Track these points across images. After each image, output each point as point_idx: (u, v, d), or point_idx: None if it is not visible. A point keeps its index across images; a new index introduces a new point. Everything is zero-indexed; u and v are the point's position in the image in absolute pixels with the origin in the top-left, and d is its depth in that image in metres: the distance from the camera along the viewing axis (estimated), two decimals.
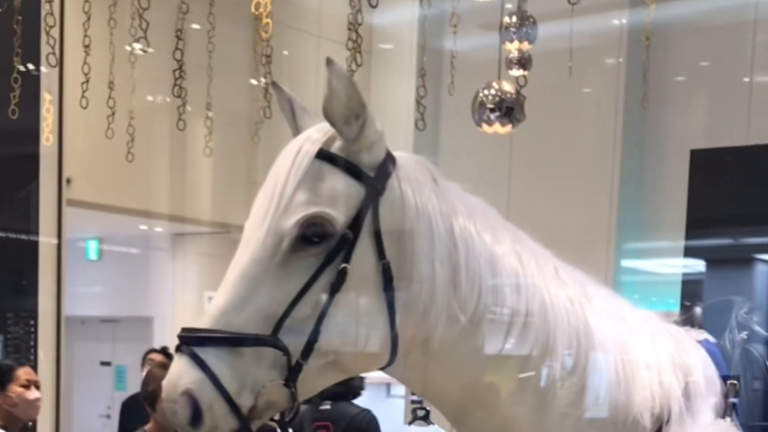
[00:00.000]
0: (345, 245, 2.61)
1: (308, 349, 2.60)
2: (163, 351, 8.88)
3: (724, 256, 5.06)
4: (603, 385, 2.86)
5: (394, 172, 2.71)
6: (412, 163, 2.79)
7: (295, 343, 2.59)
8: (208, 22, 7.25)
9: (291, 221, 2.60)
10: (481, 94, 6.69)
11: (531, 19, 6.79)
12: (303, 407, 2.76)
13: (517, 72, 6.89)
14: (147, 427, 6.13)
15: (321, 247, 2.60)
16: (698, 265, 4.94)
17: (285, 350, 2.58)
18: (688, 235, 5.05)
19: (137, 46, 7.16)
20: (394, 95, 11.04)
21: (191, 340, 2.61)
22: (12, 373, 6.27)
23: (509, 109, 6.66)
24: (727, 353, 3.17)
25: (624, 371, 2.88)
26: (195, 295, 11.92)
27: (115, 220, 11.43)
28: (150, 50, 6.54)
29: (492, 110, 6.65)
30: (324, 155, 2.68)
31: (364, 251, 2.63)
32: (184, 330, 2.65)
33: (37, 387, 6.31)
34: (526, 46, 6.84)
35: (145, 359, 9.30)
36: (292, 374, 2.59)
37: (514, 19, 6.77)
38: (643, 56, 8.20)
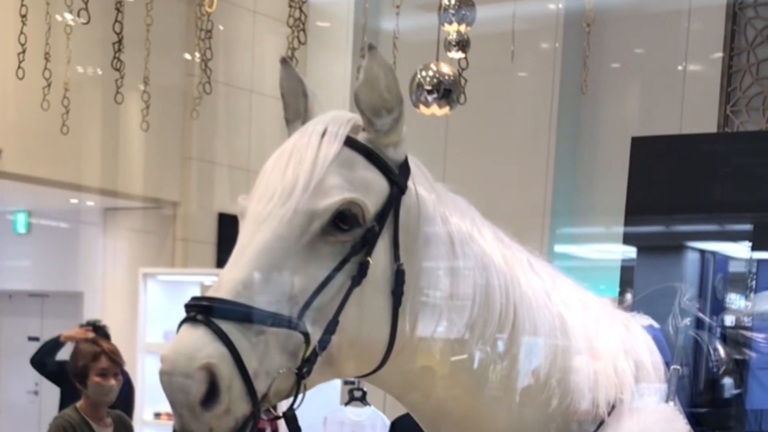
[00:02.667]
0: (371, 239, 2.48)
1: (325, 340, 2.44)
2: (92, 325, 8.76)
3: (657, 243, 5.11)
4: (579, 380, 2.85)
5: (410, 173, 2.60)
6: (414, 164, 2.67)
7: (314, 332, 2.42)
8: None
9: (325, 202, 2.44)
10: (418, 76, 6.67)
11: (470, 2, 6.78)
12: None
13: (455, 54, 6.89)
14: (78, 404, 6.08)
15: (349, 236, 2.46)
16: (631, 252, 4.97)
17: (308, 337, 2.41)
18: (627, 222, 5.09)
19: (68, 16, 7.07)
20: (329, 73, 11.02)
21: (210, 310, 2.35)
22: None
23: (447, 91, 6.65)
24: (670, 339, 3.20)
25: (594, 365, 2.88)
26: (126, 270, 11.80)
27: (45, 193, 11.29)
28: (81, 20, 6.45)
29: (429, 92, 6.63)
30: (352, 143, 2.54)
31: (382, 250, 2.51)
32: (198, 299, 2.40)
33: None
34: (464, 28, 6.84)
35: None
36: (307, 364, 2.42)
37: (453, 1, 6.76)
38: (579, 41, 8.24)
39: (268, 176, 2.55)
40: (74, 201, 11.94)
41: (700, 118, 9.52)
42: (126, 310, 10.96)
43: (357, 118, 2.58)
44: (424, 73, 6.63)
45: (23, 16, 6.86)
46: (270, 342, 2.38)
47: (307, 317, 2.42)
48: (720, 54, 9.79)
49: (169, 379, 2.33)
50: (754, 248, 4.95)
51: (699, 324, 3.38)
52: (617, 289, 5.11)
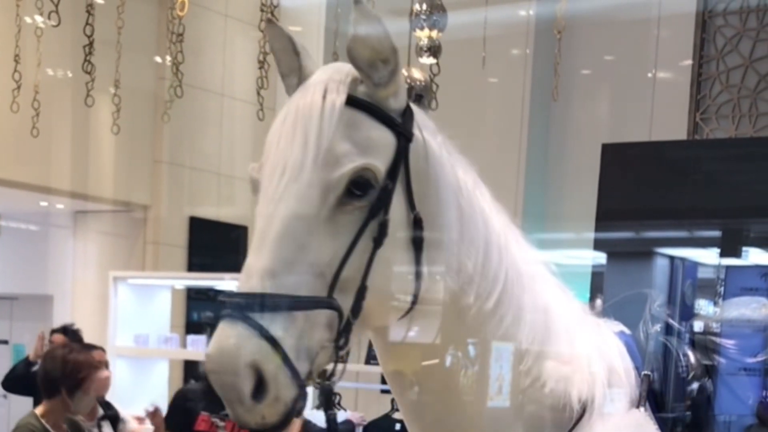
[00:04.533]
0: (386, 197, 2.48)
1: (357, 307, 2.47)
2: (65, 330, 8.71)
3: (627, 249, 5.13)
4: (549, 365, 2.86)
5: (414, 119, 2.60)
6: (418, 110, 2.66)
7: (345, 301, 2.45)
8: None
9: (338, 173, 2.43)
10: None
11: (441, 8, 6.80)
12: None
13: (427, 60, 6.91)
14: (38, 411, 6.01)
15: (365, 200, 2.46)
16: (601, 258, 4.99)
17: (340, 310, 2.44)
18: (598, 228, 5.10)
19: (39, 19, 7.05)
20: None
21: (245, 306, 2.38)
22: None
23: (418, 97, 6.67)
24: (641, 345, 3.22)
25: (571, 355, 2.91)
26: (96, 273, 11.74)
27: (14, 196, 11.23)
28: (52, 23, 6.43)
29: None
30: (353, 101, 2.51)
31: (398, 203, 2.52)
32: (232, 295, 2.42)
33: (107, 367, 6.67)
34: (436, 34, 6.86)
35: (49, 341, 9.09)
36: (344, 335, 2.46)
37: (425, 6, 6.78)
38: (550, 48, 8.26)
39: (276, 145, 2.52)
40: (44, 204, 11.89)
41: (670, 125, 9.58)
42: (96, 313, 10.90)
43: (355, 72, 2.55)
44: None
45: None
46: (306, 323, 2.41)
47: (337, 289, 2.44)
48: (689, 62, 9.86)
49: (217, 378, 2.39)
50: (722, 255, 4.97)
51: (669, 330, 3.40)
52: (587, 295, 5.12)
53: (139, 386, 6.96)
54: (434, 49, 6.88)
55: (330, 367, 2.52)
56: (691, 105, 9.78)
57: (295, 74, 2.66)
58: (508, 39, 9.92)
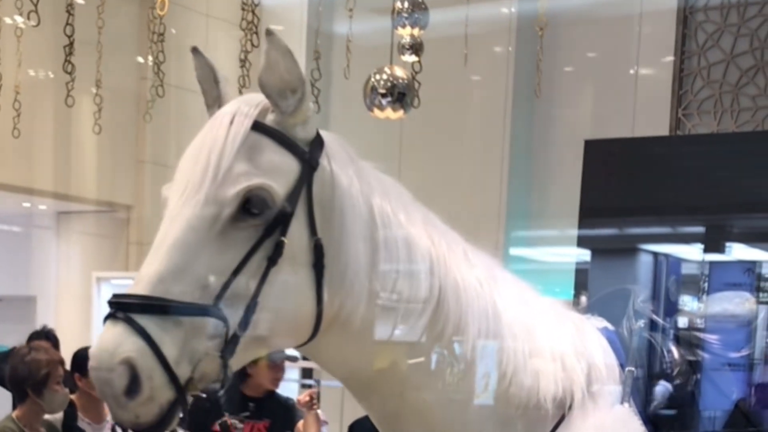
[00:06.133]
0: (283, 219, 2.55)
1: (246, 321, 2.54)
2: (47, 335, 8.64)
3: (611, 246, 5.14)
4: (509, 367, 2.89)
5: (323, 149, 2.68)
6: (333, 141, 2.75)
7: (232, 314, 2.52)
8: None
9: (233, 191, 2.52)
10: (372, 79, 6.69)
11: (423, 5, 6.80)
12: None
13: (409, 57, 6.90)
14: (15, 414, 5.98)
15: (260, 219, 2.53)
16: (585, 254, 5.00)
17: (226, 321, 2.51)
18: (581, 224, 5.11)
19: (19, 19, 7.03)
20: None
21: (128, 307, 2.47)
22: None
23: (401, 95, 6.67)
24: (625, 341, 3.23)
25: (530, 355, 2.92)
26: (79, 274, 11.71)
27: None
28: (31, 23, 6.41)
29: (384, 95, 6.66)
30: (260, 127, 2.61)
31: (298, 226, 2.59)
32: (118, 296, 2.51)
33: None
34: (418, 32, 6.85)
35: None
36: (229, 346, 2.52)
37: (406, 4, 6.78)
38: (532, 45, 8.27)
39: (183, 167, 2.64)
40: (26, 205, 11.84)
41: (652, 121, 9.59)
42: (79, 314, 10.87)
43: (266, 101, 2.65)
44: (378, 77, 6.65)
45: None
46: (189, 330, 2.48)
47: (226, 302, 2.51)
48: (671, 58, 9.86)
49: (96, 374, 2.47)
50: (706, 250, 4.98)
51: (653, 326, 3.40)
52: (572, 292, 5.13)
53: None
54: (416, 47, 6.88)
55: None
56: (673, 101, 9.79)
57: (216, 105, 2.79)
58: (490, 36, 9.92)
